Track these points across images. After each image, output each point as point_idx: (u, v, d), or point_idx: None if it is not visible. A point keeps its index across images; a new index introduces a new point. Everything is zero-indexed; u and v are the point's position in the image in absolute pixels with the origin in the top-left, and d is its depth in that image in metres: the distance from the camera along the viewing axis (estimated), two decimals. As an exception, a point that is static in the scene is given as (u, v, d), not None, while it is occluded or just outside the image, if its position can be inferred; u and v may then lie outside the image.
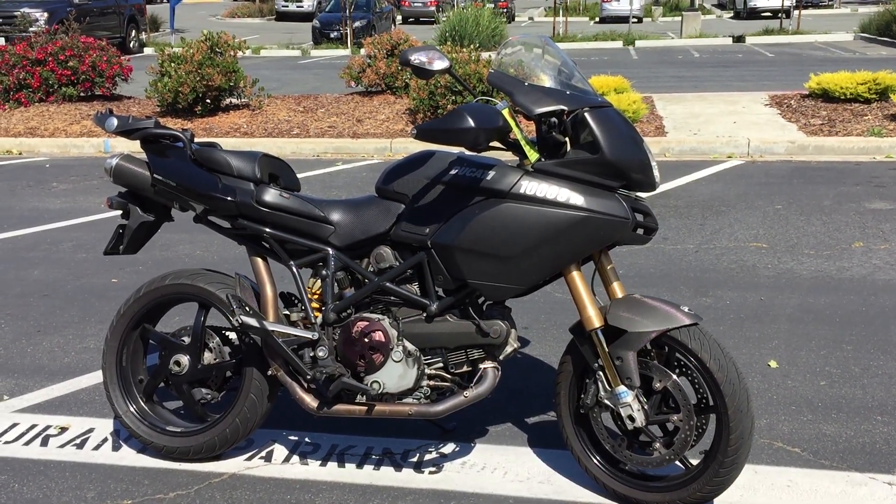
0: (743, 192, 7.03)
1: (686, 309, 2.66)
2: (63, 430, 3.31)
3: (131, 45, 21.42)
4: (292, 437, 3.23)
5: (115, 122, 2.99)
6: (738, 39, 22.67)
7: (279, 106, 10.58)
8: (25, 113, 10.67)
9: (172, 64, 9.79)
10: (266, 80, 12.66)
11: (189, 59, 9.68)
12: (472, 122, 2.50)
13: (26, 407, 3.52)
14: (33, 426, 3.35)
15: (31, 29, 16.19)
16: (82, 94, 11.19)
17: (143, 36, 23.07)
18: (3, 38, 16.45)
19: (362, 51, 11.54)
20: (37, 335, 4.29)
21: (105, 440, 3.24)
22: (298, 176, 3.14)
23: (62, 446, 3.19)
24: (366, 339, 2.78)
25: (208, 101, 9.96)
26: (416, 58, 2.56)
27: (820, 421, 3.29)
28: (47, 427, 3.34)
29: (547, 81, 2.68)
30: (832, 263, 5.14)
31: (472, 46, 10.69)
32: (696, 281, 4.91)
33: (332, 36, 24.18)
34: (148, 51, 21.64)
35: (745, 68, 16.47)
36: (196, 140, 3.11)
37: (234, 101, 10.45)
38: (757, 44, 22.17)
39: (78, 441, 3.23)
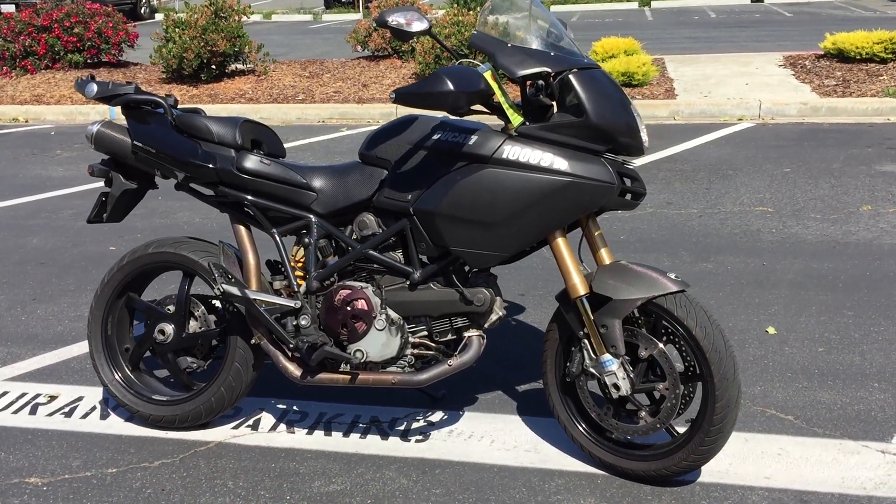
0: (751, 155, 6.91)
1: (673, 276, 2.59)
2: (52, 398, 3.31)
3: (142, 11, 21.34)
4: (280, 406, 3.22)
5: (94, 88, 2.95)
6: (756, -1, 22.25)
7: (285, 71, 10.49)
8: (31, 80, 10.65)
9: (177, 29, 9.71)
10: (275, 45, 12.59)
11: (193, 25, 9.60)
12: (450, 86, 2.44)
13: (17, 375, 3.52)
14: (23, 395, 3.35)
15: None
16: (89, 61, 11.15)
17: (154, 1, 22.94)
18: (13, 6, 16.37)
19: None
20: (31, 303, 4.30)
21: (93, 409, 3.23)
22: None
23: (50, 415, 3.19)
24: (348, 308, 2.75)
25: (213, 66, 9.88)
26: (394, 19, 2.49)
27: (815, 388, 3.23)
28: (37, 395, 3.34)
29: (532, 43, 2.61)
30: (838, 227, 5.05)
31: (479, 9, 10.52)
32: (697, 246, 4.84)
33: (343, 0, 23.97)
34: (159, 17, 21.35)
35: (761, 28, 16.19)
36: (180, 106, 3.08)
37: (240, 66, 10.36)
38: (776, 3, 21.76)
39: (66, 409, 3.23)
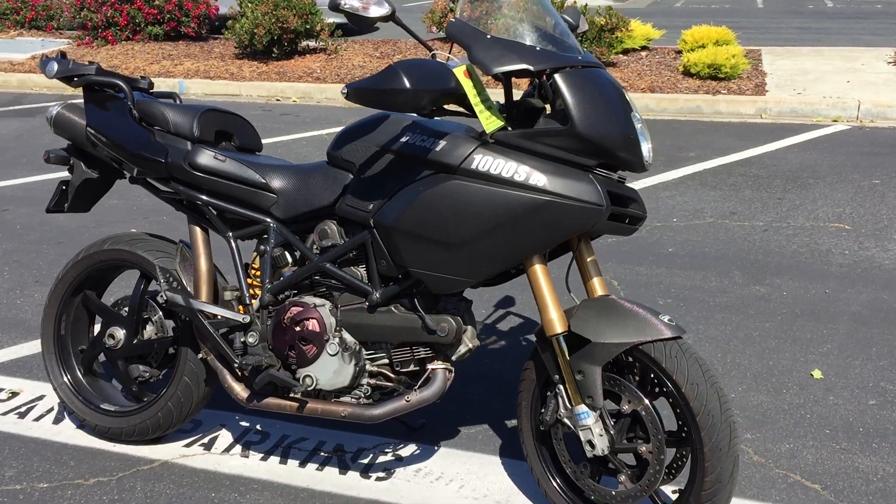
0: (839, 162, 6.26)
1: (667, 319, 2.17)
2: (14, 394, 3.13)
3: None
4: (244, 423, 2.94)
5: (55, 66, 2.71)
6: (880, -12, 20.74)
7: (356, 51, 10.23)
8: (111, 51, 10.72)
9: (250, 4, 9.56)
10: (357, 22, 12.31)
11: (265, 0, 9.42)
12: (406, 83, 2.07)
13: (-11, 366, 3.36)
14: (-14, 388, 3.19)
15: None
16: (169, 34, 11.16)
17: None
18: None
19: (455, -6, 11.00)
20: (33, 286, 4.15)
21: (50, 410, 3.02)
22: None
23: (5, 414, 3.00)
24: (297, 328, 2.43)
25: (285, 43, 9.70)
26: (348, 2, 2.13)
27: (856, 451, 2.74)
28: (-1, 390, 3.17)
29: (523, 35, 2.22)
30: (921, 253, 4.44)
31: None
32: (754, 265, 4.32)
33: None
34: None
35: (881, 20, 15.05)
36: (155, 90, 2.82)
37: (312, 44, 10.16)
38: (900, -7, 20.25)
39: (23, 409, 3.03)
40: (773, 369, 3.27)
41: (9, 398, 3.11)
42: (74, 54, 10.69)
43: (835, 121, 7.67)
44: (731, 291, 4.01)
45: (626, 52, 9.64)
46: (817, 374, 3.23)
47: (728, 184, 5.74)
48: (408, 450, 2.78)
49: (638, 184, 5.75)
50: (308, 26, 9.60)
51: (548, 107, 2.28)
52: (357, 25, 2.19)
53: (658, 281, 4.13)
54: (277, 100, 8.98)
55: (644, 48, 9.89)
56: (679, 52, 9.43)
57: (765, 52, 10.17)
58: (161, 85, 9.52)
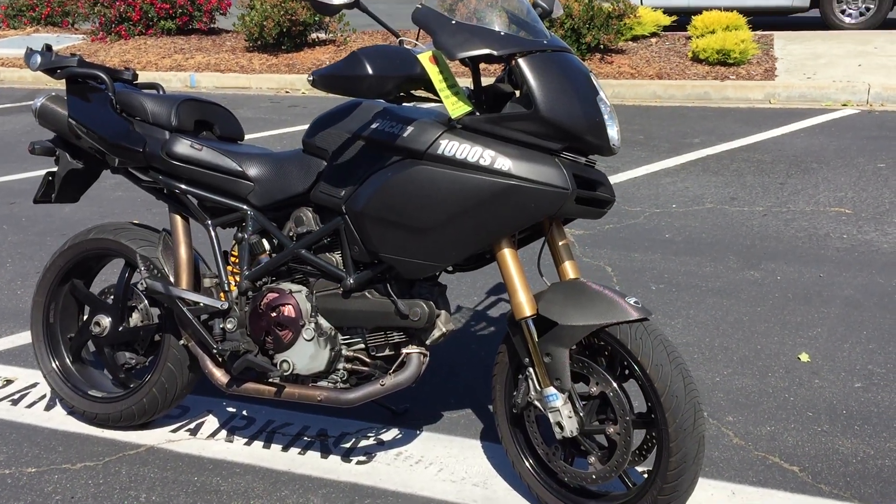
0: (845, 146, 6.20)
1: (633, 301, 2.18)
2: (8, 382, 3.19)
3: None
4: (230, 409, 2.99)
5: (38, 59, 2.75)
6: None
7: (366, 42, 10.24)
8: (124, 46, 10.81)
9: (259, -3, 9.62)
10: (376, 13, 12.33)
11: (274, -8, 9.47)
12: (368, 69, 2.09)
13: (-15, 355, 3.43)
14: (-19, 376, 3.26)
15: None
16: (182, 28, 11.23)
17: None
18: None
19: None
20: (34, 277, 4.21)
21: (43, 397, 3.09)
22: None
23: (-2, 401, 3.08)
24: (273, 314, 2.47)
25: (294, 36, 9.73)
26: (312, -11, 2.16)
27: (837, 433, 2.74)
28: (-6, 379, 3.24)
29: (491, 21, 2.23)
30: (921, 236, 4.40)
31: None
32: (750, 250, 4.31)
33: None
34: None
35: (898, 4, 14.80)
36: (139, 81, 2.86)
37: (322, 36, 10.18)
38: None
39: (16, 396, 3.10)
40: (761, 353, 3.27)
41: (3, 386, 3.17)
42: (88, 50, 10.80)
43: (844, 105, 7.59)
44: (725, 276, 4.00)
45: (635, 38, 9.59)
46: (804, 357, 3.22)
47: (731, 169, 5.72)
48: (390, 434, 2.81)
49: (639, 171, 5.75)
50: (317, 18, 9.63)
51: (517, 92, 2.30)
52: (323, 13, 2.21)
53: (652, 266, 4.13)
54: (287, 92, 9.03)
55: (654, 35, 9.83)
56: (689, 38, 9.37)
57: (777, 37, 10.06)
58: (172, 79, 9.61)
